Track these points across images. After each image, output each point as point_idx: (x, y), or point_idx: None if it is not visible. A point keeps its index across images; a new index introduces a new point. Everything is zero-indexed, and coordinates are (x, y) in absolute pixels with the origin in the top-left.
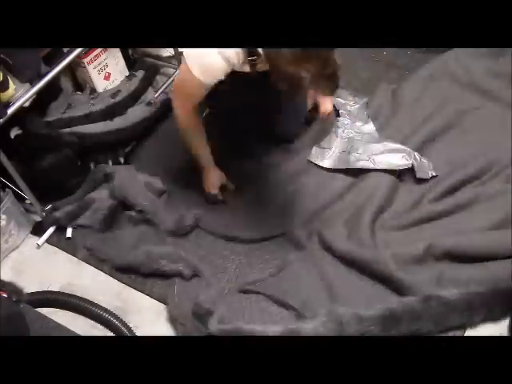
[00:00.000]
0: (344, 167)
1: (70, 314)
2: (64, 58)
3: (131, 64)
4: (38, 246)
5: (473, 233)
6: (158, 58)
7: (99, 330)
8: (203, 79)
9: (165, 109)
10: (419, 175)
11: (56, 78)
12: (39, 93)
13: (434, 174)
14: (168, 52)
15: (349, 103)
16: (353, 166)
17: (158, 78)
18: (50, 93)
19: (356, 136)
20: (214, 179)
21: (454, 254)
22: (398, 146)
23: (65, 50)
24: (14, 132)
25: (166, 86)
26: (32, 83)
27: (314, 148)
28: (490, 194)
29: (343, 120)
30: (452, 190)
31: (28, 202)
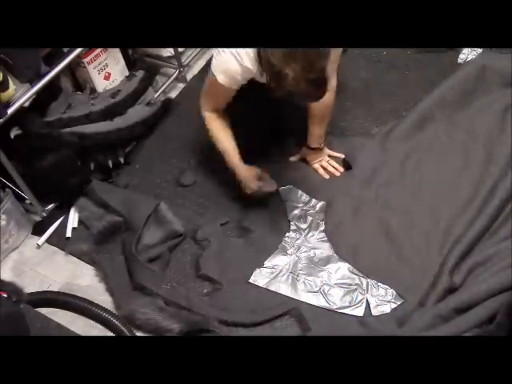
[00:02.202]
0: (286, 294)
1: (70, 314)
2: (64, 58)
3: (131, 64)
4: (38, 246)
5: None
6: (158, 57)
7: (99, 330)
8: (227, 83)
9: (165, 109)
10: (375, 313)
11: (56, 78)
12: (39, 93)
13: (396, 304)
14: (168, 52)
15: (304, 207)
16: (299, 296)
17: (157, 77)
18: (50, 93)
19: (307, 254)
20: (248, 173)
21: None
22: (352, 274)
23: (65, 50)
24: (14, 132)
25: (165, 85)
26: (32, 83)
27: (257, 269)
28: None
29: (293, 235)
30: (469, 250)
31: (28, 201)
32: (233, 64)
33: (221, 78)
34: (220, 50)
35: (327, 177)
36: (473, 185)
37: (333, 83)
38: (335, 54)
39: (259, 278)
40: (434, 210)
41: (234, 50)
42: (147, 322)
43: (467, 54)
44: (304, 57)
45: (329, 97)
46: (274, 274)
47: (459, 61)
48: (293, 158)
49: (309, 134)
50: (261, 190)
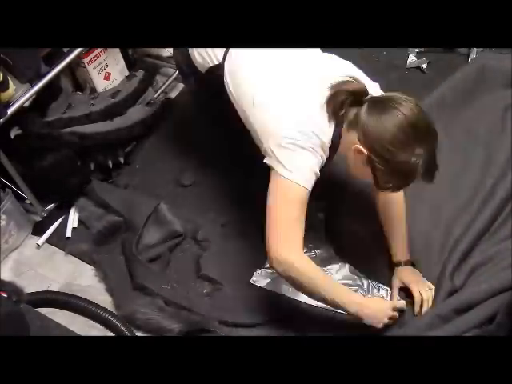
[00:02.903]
0: (287, 294)
1: (70, 314)
2: (64, 58)
3: (131, 64)
4: (38, 246)
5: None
6: (158, 57)
7: (99, 330)
8: (304, 183)
9: (165, 109)
10: None
11: (56, 78)
12: (39, 93)
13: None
14: (168, 52)
15: None
16: (299, 297)
17: (157, 77)
18: (50, 93)
19: (308, 255)
20: (378, 306)
21: None
22: (353, 274)
23: (65, 49)
24: (14, 132)
25: (165, 85)
26: (32, 83)
27: (258, 270)
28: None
29: None
30: (469, 251)
31: (28, 202)
32: (314, 155)
33: (302, 180)
34: (290, 147)
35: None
36: (473, 185)
37: None
38: None
39: (260, 278)
40: (433, 210)
41: (307, 144)
42: (147, 322)
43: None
44: (424, 137)
45: (400, 195)
46: (274, 275)
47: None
48: (394, 292)
49: (395, 242)
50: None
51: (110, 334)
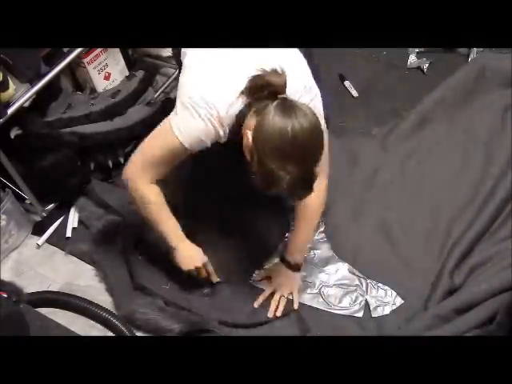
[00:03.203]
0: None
1: (70, 314)
2: (64, 58)
3: (131, 64)
4: (38, 246)
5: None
6: (158, 57)
7: (99, 330)
8: (186, 143)
9: (165, 109)
10: (375, 314)
11: (56, 78)
12: (39, 93)
13: (396, 305)
14: (168, 52)
15: None
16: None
17: (157, 77)
18: (50, 93)
19: (307, 255)
20: (191, 253)
21: None
22: (352, 275)
23: (65, 50)
24: (14, 132)
25: (165, 85)
26: (32, 83)
27: (257, 271)
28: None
29: None
30: (469, 251)
31: (28, 202)
32: (206, 126)
33: (186, 140)
34: (189, 107)
35: (271, 315)
36: (473, 185)
37: (322, 184)
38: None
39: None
40: (433, 210)
41: (204, 112)
42: (147, 322)
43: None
44: (301, 159)
45: (317, 200)
46: None
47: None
48: (256, 276)
49: (290, 241)
50: (200, 273)
51: (110, 333)
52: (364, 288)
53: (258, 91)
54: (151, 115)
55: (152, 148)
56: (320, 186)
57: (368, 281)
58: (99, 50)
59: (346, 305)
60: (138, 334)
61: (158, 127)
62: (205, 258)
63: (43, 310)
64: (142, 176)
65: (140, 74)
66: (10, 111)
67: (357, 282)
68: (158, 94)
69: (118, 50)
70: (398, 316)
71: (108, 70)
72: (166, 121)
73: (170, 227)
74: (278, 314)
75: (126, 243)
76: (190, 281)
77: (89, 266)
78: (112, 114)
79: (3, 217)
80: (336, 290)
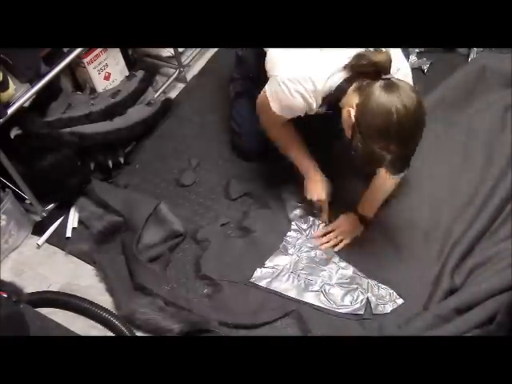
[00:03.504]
0: (287, 294)
1: (70, 314)
2: (64, 58)
3: (131, 64)
4: (38, 246)
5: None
6: (158, 57)
7: (99, 330)
8: (281, 113)
9: (165, 109)
10: (376, 311)
11: (56, 78)
12: (39, 93)
13: (397, 304)
14: (168, 52)
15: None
16: (300, 296)
17: (157, 77)
18: (50, 93)
19: (308, 254)
20: (320, 185)
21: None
22: (352, 274)
23: (65, 50)
24: (14, 132)
25: (165, 85)
26: (32, 83)
27: (258, 269)
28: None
29: (294, 235)
30: (469, 250)
31: (28, 202)
32: (298, 103)
33: (279, 111)
34: (286, 80)
35: (319, 243)
36: (473, 185)
37: None
38: None
39: (260, 277)
40: (433, 210)
41: (301, 87)
42: (147, 322)
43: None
44: (405, 139)
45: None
46: (275, 274)
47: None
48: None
49: (365, 198)
50: (322, 204)
51: (110, 333)
52: (365, 287)
53: (361, 68)
54: (151, 115)
55: (268, 110)
56: None
57: (368, 280)
58: (99, 50)
59: (348, 303)
60: (138, 333)
61: (263, 97)
62: (329, 194)
63: (43, 310)
64: (269, 119)
65: (140, 74)
66: (10, 111)
67: (358, 281)
68: (158, 94)
69: (118, 49)
70: (399, 315)
71: (108, 70)
72: (264, 93)
73: (300, 154)
74: (323, 248)
75: (125, 243)
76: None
77: (89, 265)
78: (112, 113)
79: (3, 217)
80: (337, 288)
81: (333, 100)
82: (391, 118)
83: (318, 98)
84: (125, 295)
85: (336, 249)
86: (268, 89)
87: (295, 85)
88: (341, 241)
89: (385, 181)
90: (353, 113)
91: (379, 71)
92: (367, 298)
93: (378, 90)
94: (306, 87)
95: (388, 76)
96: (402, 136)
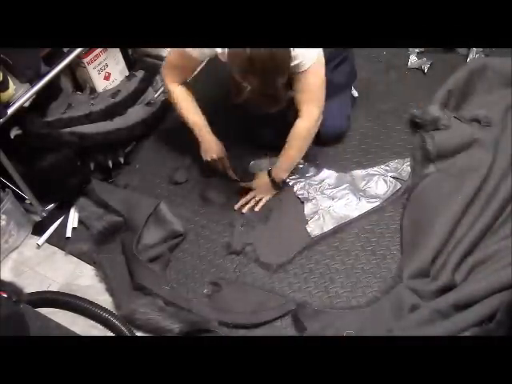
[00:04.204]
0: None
1: (70, 314)
2: (64, 58)
3: (131, 64)
4: (38, 246)
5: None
6: (158, 57)
7: (99, 330)
8: (194, 53)
9: (165, 109)
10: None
11: (56, 78)
12: (39, 93)
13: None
14: (168, 52)
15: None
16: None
17: (157, 77)
18: (50, 93)
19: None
20: (211, 144)
21: None
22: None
23: (65, 50)
24: (14, 132)
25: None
26: (32, 83)
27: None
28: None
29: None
30: (471, 249)
31: (28, 202)
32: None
33: (189, 49)
34: None
35: (237, 207)
36: (475, 185)
37: (314, 113)
38: (308, 84)
39: (314, 227)
40: (437, 209)
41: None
42: (147, 322)
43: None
44: (262, 73)
45: (305, 126)
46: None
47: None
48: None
49: (278, 160)
50: (216, 165)
51: (110, 333)
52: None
53: None
54: (151, 115)
55: (172, 58)
56: (311, 114)
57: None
58: (99, 50)
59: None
60: (138, 334)
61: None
62: (223, 152)
63: (43, 310)
64: (170, 80)
65: (140, 74)
66: (10, 111)
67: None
68: (157, 94)
69: (117, 49)
70: (394, 305)
71: (108, 70)
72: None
73: (195, 120)
74: (244, 210)
75: (125, 243)
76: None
77: (89, 265)
78: (112, 114)
79: (3, 217)
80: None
81: None
82: (245, 54)
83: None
84: (125, 295)
85: (256, 208)
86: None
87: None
88: (260, 200)
89: (297, 130)
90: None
91: None
92: (359, 193)
93: None
94: None
95: None
96: (256, 68)
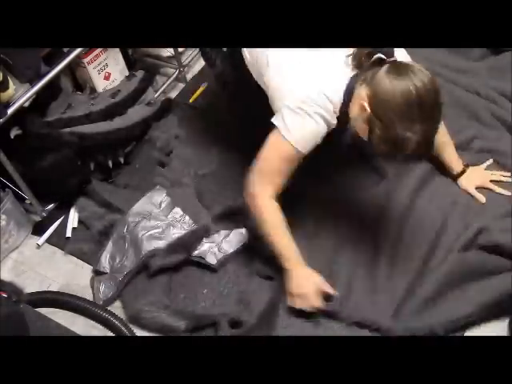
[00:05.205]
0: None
1: (70, 314)
2: (64, 58)
3: (131, 64)
4: (38, 246)
5: None
6: (158, 57)
7: (99, 330)
8: (301, 147)
9: (165, 109)
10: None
11: (56, 78)
12: (39, 93)
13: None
14: (168, 52)
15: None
16: None
17: (157, 77)
18: (50, 93)
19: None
20: (312, 286)
21: None
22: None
23: (65, 50)
24: (14, 132)
25: (165, 85)
26: (32, 83)
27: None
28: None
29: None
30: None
31: (28, 202)
32: (318, 125)
33: (300, 144)
34: (300, 103)
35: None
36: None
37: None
38: None
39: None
40: (441, 209)
41: (317, 110)
42: (153, 321)
43: None
44: (428, 116)
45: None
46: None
47: None
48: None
49: (449, 159)
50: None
51: (110, 333)
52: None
53: (365, 59)
54: (151, 115)
55: (268, 161)
56: None
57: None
58: (99, 50)
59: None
60: (144, 333)
61: (268, 141)
62: (320, 282)
63: (43, 310)
64: (265, 193)
65: (140, 74)
66: (10, 111)
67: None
68: (158, 94)
69: (117, 50)
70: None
71: (108, 70)
72: (273, 137)
73: (287, 251)
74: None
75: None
76: None
77: (89, 265)
78: (112, 114)
79: (3, 217)
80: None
81: (345, 107)
82: (411, 97)
83: (336, 111)
84: (129, 295)
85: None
86: (280, 123)
87: (312, 106)
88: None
89: (445, 136)
90: (366, 105)
91: (383, 57)
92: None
93: (388, 74)
94: (322, 104)
95: (392, 59)
96: (424, 112)
